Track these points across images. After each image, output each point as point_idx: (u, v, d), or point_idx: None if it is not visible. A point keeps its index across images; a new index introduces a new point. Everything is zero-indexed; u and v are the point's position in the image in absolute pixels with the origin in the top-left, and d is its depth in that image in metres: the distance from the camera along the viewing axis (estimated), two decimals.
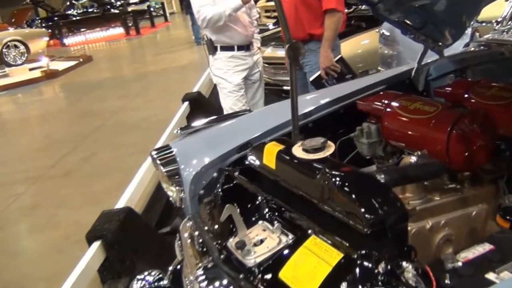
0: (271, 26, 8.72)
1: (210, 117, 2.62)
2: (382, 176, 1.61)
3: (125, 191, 4.04)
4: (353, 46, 6.22)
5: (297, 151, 1.75)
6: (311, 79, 4.25)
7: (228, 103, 4.75)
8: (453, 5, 2.41)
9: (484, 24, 3.47)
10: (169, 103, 8.85)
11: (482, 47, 2.86)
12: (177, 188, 2.28)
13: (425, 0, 2.23)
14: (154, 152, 2.36)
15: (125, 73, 14.76)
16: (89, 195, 5.55)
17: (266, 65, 6.63)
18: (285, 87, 6.48)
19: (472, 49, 2.91)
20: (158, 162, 2.31)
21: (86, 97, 11.30)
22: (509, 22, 3.09)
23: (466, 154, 1.86)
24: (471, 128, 1.87)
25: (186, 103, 6.80)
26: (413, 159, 1.88)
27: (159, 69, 13.48)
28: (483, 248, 1.65)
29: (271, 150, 1.87)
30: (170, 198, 2.39)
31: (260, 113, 2.83)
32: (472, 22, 2.72)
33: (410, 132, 2.02)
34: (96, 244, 3.37)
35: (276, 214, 1.81)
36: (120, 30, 24.19)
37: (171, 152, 2.33)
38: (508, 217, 1.82)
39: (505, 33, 2.83)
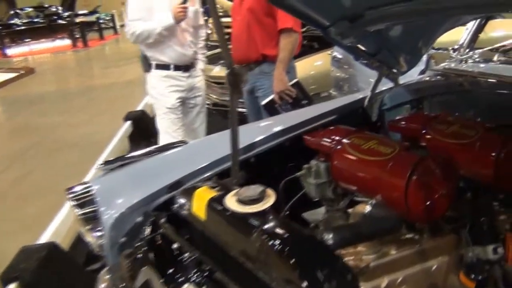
0: None
1: (152, 139, 2.34)
2: (331, 236, 1.35)
3: (50, 224, 3.64)
4: (305, 67, 6.00)
5: (231, 201, 1.47)
6: (263, 103, 4.03)
7: (163, 126, 4.44)
8: (410, 30, 2.27)
9: (440, 51, 3.34)
10: (113, 119, 8.41)
11: (439, 77, 2.69)
12: (95, 233, 1.95)
13: (380, 25, 2.02)
14: (69, 193, 2.02)
15: (69, 86, 14.19)
16: (19, 220, 5.10)
17: (214, 84, 6.35)
18: None
19: (428, 78, 2.74)
20: (73, 203, 1.98)
21: (25, 111, 10.72)
22: (467, 50, 2.94)
23: (427, 203, 1.63)
24: (433, 173, 1.66)
25: (129, 122, 6.43)
26: (367, 208, 1.66)
27: (106, 83, 13.00)
28: None
29: (202, 196, 1.59)
30: (89, 244, 2.06)
31: (197, 145, 2.55)
32: (428, 49, 2.54)
33: (363, 175, 1.81)
34: (12, 286, 2.97)
35: (206, 276, 1.51)
36: (66, 42, 23.39)
37: (89, 191, 2.01)
38: (473, 276, 1.63)
39: (463, 62, 2.67)
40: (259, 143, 2.23)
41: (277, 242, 1.28)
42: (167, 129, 4.38)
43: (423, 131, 2.02)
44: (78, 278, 3.40)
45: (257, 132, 2.36)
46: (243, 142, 2.04)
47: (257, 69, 4.19)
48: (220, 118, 6.04)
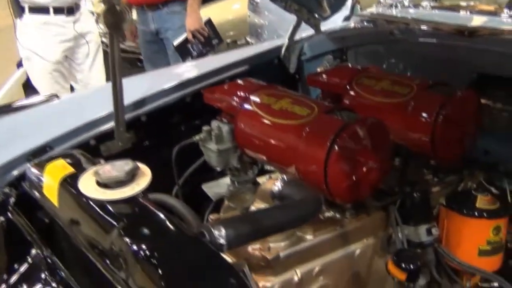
0: None
1: None
2: (223, 233, 0.98)
3: None
4: (222, 11, 5.56)
5: (89, 183, 1.06)
6: (175, 43, 3.91)
7: (42, 86, 3.72)
8: None
9: None
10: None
11: (366, 23, 2.44)
12: None
13: None
14: None
15: None
16: None
17: None
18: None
19: (354, 25, 2.50)
20: None
21: None
22: None
23: (352, 180, 1.36)
24: (360, 142, 1.37)
25: (23, 69, 5.74)
26: (277, 185, 1.34)
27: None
28: None
29: (54, 173, 1.19)
30: None
31: (72, 100, 2.14)
32: None
33: (273, 143, 1.50)
34: None
35: (56, 283, 1.12)
36: None
37: None
38: (404, 265, 1.37)
39: (393, 7, 2.39)
40: (152, 98, 1.93)
41: (143, 247, 0.90)
42: (51, 91, 3.69)
43: (347, 87, 1.75)
44: None
45: (151, 84, 2.02)
46: (132, 97, 1.86)
47: (166, 9, 3.96)
48: (129, 67, 5.53)
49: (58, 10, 3.59)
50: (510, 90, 1.79)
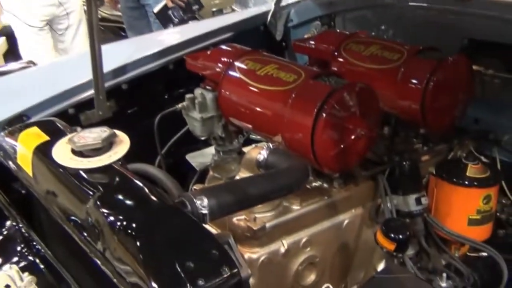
0: None
1: None
2: (205, 203, 0.93)
3: None
4: None
5: (64, 151, 1.00)
6: (155, 10, 3.84)
7: (27, 52, 3.68)
8: None
9: None
10: None
11: None
12: None
13: None
14: None
15: None
16: None
17: None
18: None
19: None
20: None
21: None
22: None
23: (340, 148, 1.31)
24: (348, 109, 1.31)
25: (3, 38, 5.58)
26: (262, 154, 1.28)
27: None
28: None
29: (28, 142, 1.14)
30: None
31: (53, 68, 2.09)
32: None
33: (258, 110, 1.45)
34: None
35: (33, 256, 1.06)
36: None
37: None
38: (393, 235, 1.33)
39: None
40: (133, 65, 1.86)
41: (119, 217, 0.85)
42: (36, 57, 3.61)
43: (335, 53, 1.69)
44: None
45: (132, 51, 1.94)
46: (113, 64, 1.79)
47: None
48: (112, 37, 5.39)
49: None
50: (501, 56, 1.75)
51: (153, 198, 0.91)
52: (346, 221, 1.46)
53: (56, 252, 1.12)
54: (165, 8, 3.82)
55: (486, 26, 1.75)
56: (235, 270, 0.81)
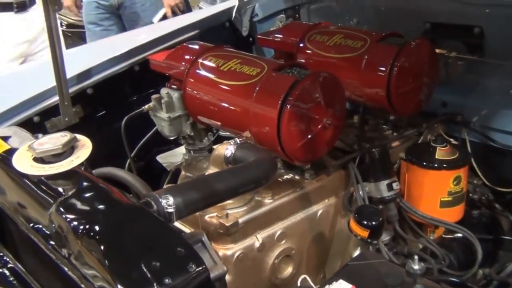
0: None
1: None
2: (171, 201, 0.92)
3: None
4: None
5: (25, 158, 0.98)
6: (155, 20, 3.72)
7: None
8: None
9: None
10: None
11: None
12: None
13: None
14: None
15: None
16: None
17: None
18: None
19: None
20: None
21: None
22: None
23: (307, 138, 1.30)
24: (313, 99, 1.30)
25: None
26: (229, 149, 1.28)
27: None
28: None
29: None
30: None
31: (17, 76, 2.06)
32: None
33: (223, 106, 1.43)
34: None
35: (1, 267, 1.05)
36: None
37: None
38: (365, 222, 1.31)
39: None
40: (97, 68, 1.85)
41: (82, 222, 0.83)
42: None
43: (300, 45, 1.69)
44: None
45: (96, 54, 1.95)
46: (76, 69, 1.78)
47: None
48: (81, 42, 5.31)
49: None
50: (463, 38, 1.75)
51: (117, 200, 0.90)
52: (319, 212, 1.45)
53: (26, 263, 1.10)
54: (165, 18, 3.74)
55: (446, 9, 1.76)
56: (202, 267, 0.80)
